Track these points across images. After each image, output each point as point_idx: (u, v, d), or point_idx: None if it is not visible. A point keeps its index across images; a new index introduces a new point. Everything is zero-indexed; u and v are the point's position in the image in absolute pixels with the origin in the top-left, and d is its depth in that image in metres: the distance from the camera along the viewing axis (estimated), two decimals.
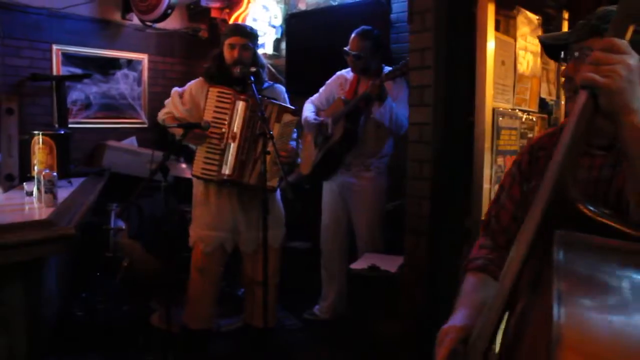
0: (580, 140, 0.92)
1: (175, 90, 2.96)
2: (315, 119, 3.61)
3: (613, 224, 0.89)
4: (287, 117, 2.80)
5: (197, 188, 2.90)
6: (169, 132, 2.93)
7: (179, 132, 2.74)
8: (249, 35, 2.81)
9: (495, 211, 1.40)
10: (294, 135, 2.98)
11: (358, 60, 3.45)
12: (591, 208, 0.90)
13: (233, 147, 2.72)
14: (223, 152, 2.74)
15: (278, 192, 3.02)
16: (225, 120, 2.74)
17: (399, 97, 3.36)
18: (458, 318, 1.18)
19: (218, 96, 2.75)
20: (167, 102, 2.96)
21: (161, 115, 2.95)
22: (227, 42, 2.80)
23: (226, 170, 2.71)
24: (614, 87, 0.88)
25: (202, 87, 2.84)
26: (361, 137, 3.47)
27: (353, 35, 3.48)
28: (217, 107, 2.75)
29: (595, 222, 0.89)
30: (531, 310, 0.89)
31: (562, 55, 1.21)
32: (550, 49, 1.29)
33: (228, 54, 2.79)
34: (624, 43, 0.90)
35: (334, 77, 3.75)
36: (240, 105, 2.74)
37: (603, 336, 0.73)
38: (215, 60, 2.85)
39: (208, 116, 2.73)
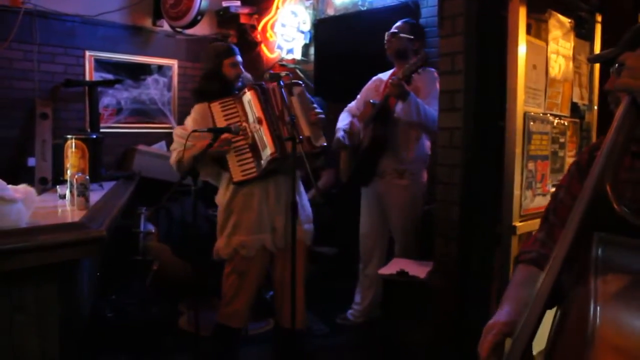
0: (623, 144, 0.94)
1: (177, 127, 2.99)
2: (342, 137, 3.55)
3: None
4: (298, 89, 2.86)
5: (232, 197, 2.85)
6: (181, 172, 2.79)
7: (196, 148, 2.72)
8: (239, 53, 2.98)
9: (554, 205, 1.41)
10: (313, 100, 2.98)
11: (394, 38, 3.43)
12: (630, 211, 0.90)
13: (264, 130, 2.72)
14: (253, 147, 2.76)
15: (305, 195, 3.01)
16: (239, 120, 2.78)
17: (432, 93, 3.25)
18: (503, 314, 1.21)
19: (222, 107, 2.82)
20: (172, 146, 2.91)
21: (174, 159, 2.84)
22: (228, 62, 2.90)
23: (268, 152, 2.69)
24: None
25: (203, 110, 2.87)
26: (391, 140, 3.43)
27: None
28: (225, 115, 2.80)
29: (635, 225, 0.89)
30: (571, 308, 0.91)
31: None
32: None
33: (232, 72, 2.90)
34: None
35: (370, 80, 3.71)
36: (250, 95, 2.77)
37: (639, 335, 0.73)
38: (215, 79, 2.91)
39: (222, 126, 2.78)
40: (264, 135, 2.71)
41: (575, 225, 0.92)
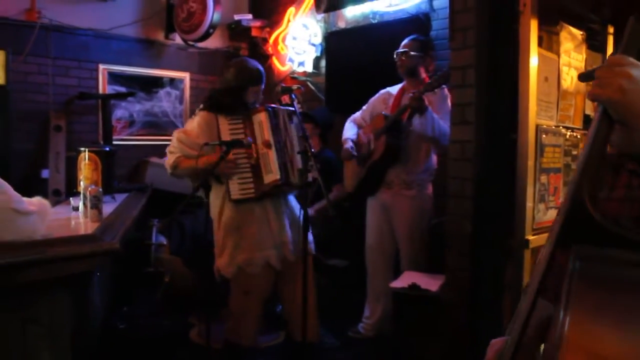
0: (598, 153, 0.95)
1: (177, 130, 2.92)
2: (351, 147, 3.58)
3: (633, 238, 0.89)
4: (296, 119, 2.89)
5: (231, 214, 2.84)
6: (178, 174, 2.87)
7: (203, 161, 2.72)
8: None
9: None
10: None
11: (405, 56, 3.44)
12: (610, 223, 0.91)
13: (271, 155, 2.75)
14: (256, 168, 2.78)
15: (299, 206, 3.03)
16: (243, 138, 2.80)
17: (444, 110, 3.29)
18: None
19: (229, 123, 2.83)
20: (170, 149, 2.87)
21: (170, 162, 2.82)
22: (254, 89, 2.91)
23: (271, 177, 2.73)
24: (615, 97, 0.92)
25: (210, 119, 2.85)
26: (404, 152, 3.44)
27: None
28: (231, 130, 2.81)
29: (616, 236, 0.89)
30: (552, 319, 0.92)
31: None
32: None
33: (252, 98, 2.92)
34: (624, 57, 0.95)
35: (378, 93, 3.73)
36: (261, 117, 2.80)
37: (608, 340, 0.75)
38: (234, 96, 2.89)
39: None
40: (270, 160, 2.74)
41: (554, 239, 0.93)
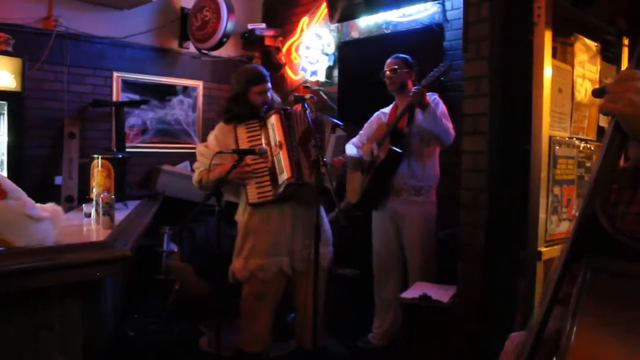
0: (611, 167, 0.96)
1: (199, 145, 3.01)
2: (355, 153, 3.64)
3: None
4: (340, 132, 2.90)
5: (249, 218, 2.87)
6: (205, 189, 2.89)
7: (223, 170, 2.76)
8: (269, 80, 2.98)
9: None
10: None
11: (395, 74, 3.54)
12: (622, 235, 0.92)
13: (283, 154, 2.74)
14: (272, 171, 2.78)
15: (325, 217, 3.01)
16: (261, 143, 2.81)
17: (440, 111, 3.38)
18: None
19: (247, 129, 2.85)
20: (196, 164, 2.96)
21: (195, 178, 2.91)
22: (256, 89, 2.89)
23: (284, 177, 2.71)
24: (626, 111, 0.93)
25: (227, 129, 2.90)
26: (408, 154, 3.48)
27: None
28: (249, 137, 2.83)
29: (628, 249, 0.90)
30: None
31: None
32: None
33: (258, 99, 2.90)
34: (635, 71, 0.96)
35: (373, 116, 3.82)
36: (274, 119, 2.80)
37: (612, 352, 0.77)
38: (240, 102, 2.91)
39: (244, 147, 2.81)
40: (282, 160, 2.73)
41: (567, 250, 0.94)
